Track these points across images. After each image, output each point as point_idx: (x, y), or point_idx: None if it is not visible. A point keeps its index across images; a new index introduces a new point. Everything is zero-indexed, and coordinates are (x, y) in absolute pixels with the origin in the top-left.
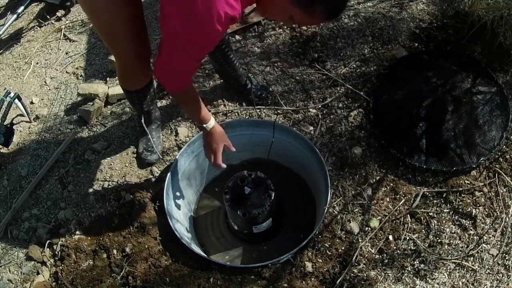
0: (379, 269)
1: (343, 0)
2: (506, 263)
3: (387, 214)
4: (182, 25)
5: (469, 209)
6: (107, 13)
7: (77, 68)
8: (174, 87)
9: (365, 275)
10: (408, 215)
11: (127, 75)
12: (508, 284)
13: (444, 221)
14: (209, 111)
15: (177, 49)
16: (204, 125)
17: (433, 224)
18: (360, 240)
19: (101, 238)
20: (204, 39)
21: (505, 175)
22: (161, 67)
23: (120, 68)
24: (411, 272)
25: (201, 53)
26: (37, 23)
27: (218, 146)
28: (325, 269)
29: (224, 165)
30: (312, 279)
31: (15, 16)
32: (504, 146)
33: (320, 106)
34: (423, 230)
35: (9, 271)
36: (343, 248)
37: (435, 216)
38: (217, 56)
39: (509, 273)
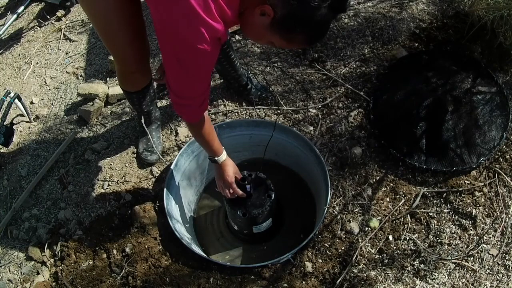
0: (379, 269)
1: (324, 28)
2: (506, 263)
3: (387, 214)
4: (173, 55)
5: (469, 209)
6: (105, 13)
7: (77, 68)
8: (191, 118)
9: (365, 275)
10: (408, 215)
11: (126, 76)
12: (508, 284)
13: (444, 221)
14: (209, 111)
15: (179, 78)
16: (216, 158)
17: (433, 224)
18: (360, 240)
19: (101, 238)
20: (196, 63)
21: (505, 175)
22: (173, 100)
23: (119, 69)
24: (411, 272)
25: (202, 77)
26: (37, 23)
27: (230, 178)
28: (325, 269)
29: (243, 193)
30: (312, 279)
31: (15, 16)
32: (504, 146)
33: (320, 106)
34: (423, 230)
35: (9, 271)
36: (343, 248)
37: (435, 216)
38: (218, 56)
39: (509, 273)
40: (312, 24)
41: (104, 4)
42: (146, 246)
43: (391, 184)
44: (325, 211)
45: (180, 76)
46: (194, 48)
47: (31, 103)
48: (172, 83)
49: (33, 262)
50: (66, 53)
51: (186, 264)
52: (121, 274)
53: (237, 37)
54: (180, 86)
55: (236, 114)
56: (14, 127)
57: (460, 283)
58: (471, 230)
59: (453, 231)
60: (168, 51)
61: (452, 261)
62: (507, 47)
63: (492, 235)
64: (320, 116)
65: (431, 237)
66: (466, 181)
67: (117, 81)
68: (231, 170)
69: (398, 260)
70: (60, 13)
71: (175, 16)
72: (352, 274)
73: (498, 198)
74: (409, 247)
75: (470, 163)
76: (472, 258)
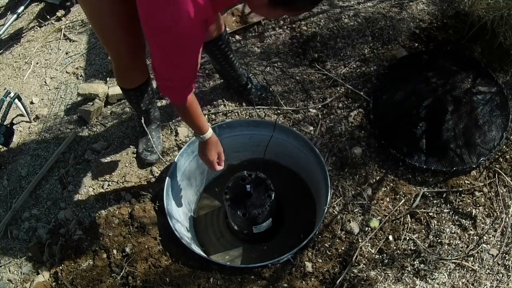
0: (379, 269)
1: None
2: (506, 263)
3: (387, 214)
4: (155, 39)
5: (469, 209)
6: (98, 8)
7: (77, 68)
8: (177, 99)
9: (365, 275)
10: (408, 215)
11: (122, 73)
12: (508, 284)
13: (444, 221)
14: (209, 111)
15: (163, 61)
16: (201, 136)
17: (433, 224)
18: (360, 240)
19: (101, 238)
20: (178, 46)
21: (505, 175)
22: (158, 82)
23: (115, 66)
24: (411, 272)
25: (186, 60)
26: (37, 23)
27: (212, 157)
28: (325, 269)
29: (219, 167)
30: (312, 279)
31: (15, 16)
32: (504, 146)
33: (320, 106)
34: (423, 230)
35: (9, 271)
36: (343, 248)
37: (435, 216)
38: (217, 56)
39: (509, 273)
40: None
41: (99, 6)
42: (146, 246)
43: (391, 184)
44: (325, 211)
45: (163, 59)
46: (175, 31)
47: (31, 103)
48: (156, 65)
49: (33, 262)
50: (66, 53)
51: (186, 264)
52: (121, 274)
53: (237, 37)
54: (164, 69)
55: (236, 114)
56: (14, 127)
57: (460, 283)
58: (471, 230)
59: (453, 231)
60: (150, 34)
61: (452, 261)
62: (507, 47)
63: (492, 235)
64: (320, 116)
65: (431, 237)
66: (466, 181)
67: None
68: (214, 150)
69: (398, 260)
70: (60, 13)
71: None
72: (352, 274)
73: (498, 198)
74: (409, 247)
75: (470, 163)
76: (472, 258)
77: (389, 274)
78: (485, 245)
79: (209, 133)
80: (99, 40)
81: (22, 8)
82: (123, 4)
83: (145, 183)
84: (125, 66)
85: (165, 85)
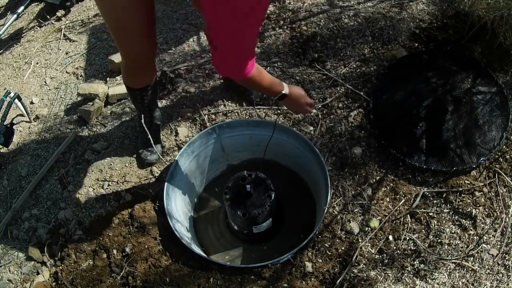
0: (379, 269)
1: None
2: (506, 263)
3: (387, 214)
4: (230, 10)
5: (469, 209)
6: (123, 5)
7: (77, 68)
8: (243, 74)
9: (365, 275)
10: (408, 215)
11: (133, 72)
12: (508, 284)
13: (444, 221)
14: (209, 111)
15: (228, 34)
16: (283, 92)
17: (433, 224)
18: (360, 240)
19: (101, 238)
20: (259, 19)
21: (505, 175)
22: (222, 61)
23: (127, 65)
24: (411, 272)
25: (252, 21)
26: (37, 23)
27: (306, 98)
28: (325, 269)
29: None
30: (312, 279)
31: (15, 16)
32: (504, 146)
33: (320, 106)
34: (423, 230)
35: (9, 271)
36: (343, 248)
37: (435, 216)
38: None
39: (509, 273)
40: None
41: (122, 1)
42: (146, 246)
43: (391, 184)
44: (325, 211)
45: (229, 33)
46: (263, 5)
47: (31, 103)
48: (220, 43)
49: (33, 262)
50: (66, 53)
51: (186, 264)
52: (121, 274)
53: None
54: (230, 44)
55: (236, 114)
56: (14, 127)
57: (460, 283)
58: (471, 230)
59: (453, 231)
60: (231, 15)
61: (452, 261)
62: (507, 47)
63: (492, 235)
64: (320, 116)
65: (431, 237)
66: (466, 181)
67: (117, 80)
68: (300, 91)
69: (398, 260)
70: (60, 13)
71: None
72: (352, 274)
73: (498, 198)
74: (409, 247)
75: (470, 163)
76: (472, 258)
77: (389, 274)
78: (485, 245)
79: (286, 85)
80: (115, 38)
81: (22, 8)
82: (147, 1)
83: (145, 183)
84: (137, 66)
85: (232, 60)
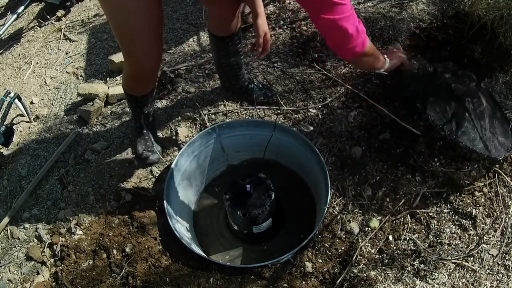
0: (379, 269)
1: None
2: (506, 263)
3: (387, 214)
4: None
5: (469, 209)
6: (136, 15)
7: (77, 68)
8: (363, 46)
9: (365, 275)
10: (408, 215)
11: (138, 81)
12: (508, 284)
13: (444, 221)
14: (209, 111)
15: (336, 10)
16: (387, 63)
17: (433, 224)
18: (360, 240)
19: (101, 238)
20: None
21: (505, 175)
22: (343, 43)
23: (132, 73)
24: (411, 272)
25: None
26: (37, 23)
27: (400, 55)
28: (325, 269)
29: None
30: (312, 279)
31: (15, 16)
32: None
33: (320, 106)
34: (423, 230)
35: (9, 271)
36: (343, 248)
37: (435, 216)
38: (230, 52)
39: (509, 273)
40: None
41: (136, 6)
42: (146, 246)
43: (391, 184)
44: (325, 211)
45: (337, 24)
46: None
47: (31, 103)
48: (336, 23)
49: (33, 262)
50: (66, 53)
51: (186, 264)
52: (121, 274)
53: None
54: (341, 33)
55: (236, 114)
56: (14, 127)
57: (460, 283)
58: (471, 230)
59: (453, 231)
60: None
61: (452, 261)
62: (507, 47)
63: (492, 235)
64: (320, 116)
65: (431, 237)
66: (466, 181)
67: (117, 82)
68: (396, 54)
69: (398, 260)
70: (60, 13)
71: None
72: (352, 274)
73: (498, 198)
74: (409, 247)
75: (470, 164)
76: (472, 258)
77: (389, 274)
78: (485, 245)
79: (385, 58)
80: (123, 47)
81: (22, 8)
82: (160, 12)
83: (145, 183)
84: (144, 75)
85: (352, 36)
